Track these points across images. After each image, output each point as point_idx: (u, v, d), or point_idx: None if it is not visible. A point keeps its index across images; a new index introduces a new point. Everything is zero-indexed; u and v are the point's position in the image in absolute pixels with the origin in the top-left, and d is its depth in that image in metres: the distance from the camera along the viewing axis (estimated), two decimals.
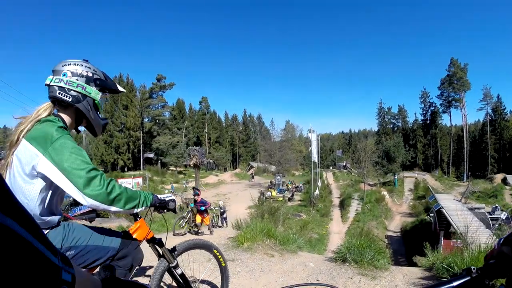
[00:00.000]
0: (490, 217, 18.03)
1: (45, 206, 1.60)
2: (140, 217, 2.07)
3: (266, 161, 54.75)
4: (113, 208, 1.56)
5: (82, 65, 1.73)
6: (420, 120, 69.27)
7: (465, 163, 57.65)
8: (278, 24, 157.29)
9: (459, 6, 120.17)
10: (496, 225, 13.41)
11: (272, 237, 5.70)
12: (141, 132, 58.47)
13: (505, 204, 28.12)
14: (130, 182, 33.30)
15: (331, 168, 69.99)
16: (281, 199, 31.19)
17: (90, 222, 12.40)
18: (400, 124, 72.60)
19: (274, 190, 33.17)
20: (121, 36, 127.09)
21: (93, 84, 1.75)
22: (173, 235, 10.15)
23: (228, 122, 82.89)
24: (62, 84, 1.66)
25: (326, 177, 48.75)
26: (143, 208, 1.75)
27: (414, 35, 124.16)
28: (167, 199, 1.95)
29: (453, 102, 60.32)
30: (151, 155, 60.22)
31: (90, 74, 1.74)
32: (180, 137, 62.46)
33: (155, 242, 2.14)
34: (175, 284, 2.31)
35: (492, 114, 60.78)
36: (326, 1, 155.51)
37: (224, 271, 2.81)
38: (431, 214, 18.27)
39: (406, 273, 4.30)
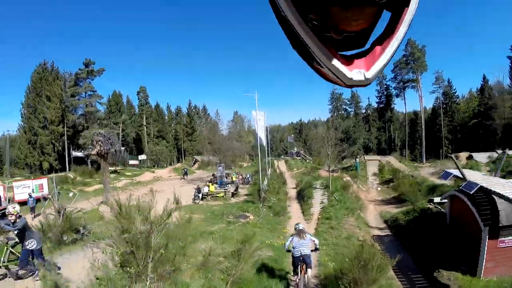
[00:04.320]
0: None
1: None
2: None
3: (213, 154, 47.65)
4: None
5: None
6: (375, 104, 67.97)
7: (422, 145, 58.62)
8: (222, 15, 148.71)
9: None
10: None
11: None
12: (64, 126, 49.22)
13: None
14: (30, 185, 25.73)
15: (282, 156, 64.77)
16: (221, 194, 23.92)
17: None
18: (352, 110, 69.83)
19: (213, 184, 25.68)
20: (48, 22, 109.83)
21: None
22: None
23: (171, 115, 76.06)
24: None
25: (278, 165, 42.39)
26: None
27: None
28: None
29: (409, 83, 60.60)
30: (80, 154, 51.08)
31: None
32: (117, 131, 54.17)
33: None
34: None
35: (442, 98, 62.79)
36: None
37: None
38: (444, 200, 12.06)
39: None
